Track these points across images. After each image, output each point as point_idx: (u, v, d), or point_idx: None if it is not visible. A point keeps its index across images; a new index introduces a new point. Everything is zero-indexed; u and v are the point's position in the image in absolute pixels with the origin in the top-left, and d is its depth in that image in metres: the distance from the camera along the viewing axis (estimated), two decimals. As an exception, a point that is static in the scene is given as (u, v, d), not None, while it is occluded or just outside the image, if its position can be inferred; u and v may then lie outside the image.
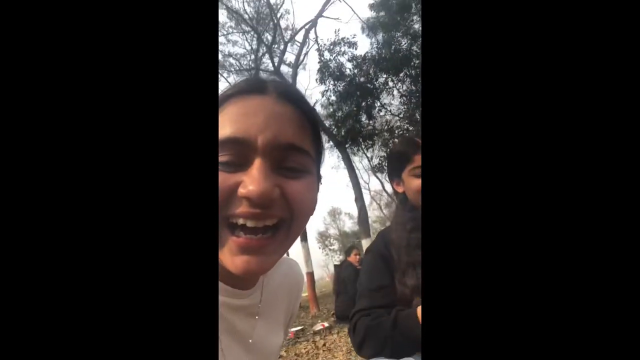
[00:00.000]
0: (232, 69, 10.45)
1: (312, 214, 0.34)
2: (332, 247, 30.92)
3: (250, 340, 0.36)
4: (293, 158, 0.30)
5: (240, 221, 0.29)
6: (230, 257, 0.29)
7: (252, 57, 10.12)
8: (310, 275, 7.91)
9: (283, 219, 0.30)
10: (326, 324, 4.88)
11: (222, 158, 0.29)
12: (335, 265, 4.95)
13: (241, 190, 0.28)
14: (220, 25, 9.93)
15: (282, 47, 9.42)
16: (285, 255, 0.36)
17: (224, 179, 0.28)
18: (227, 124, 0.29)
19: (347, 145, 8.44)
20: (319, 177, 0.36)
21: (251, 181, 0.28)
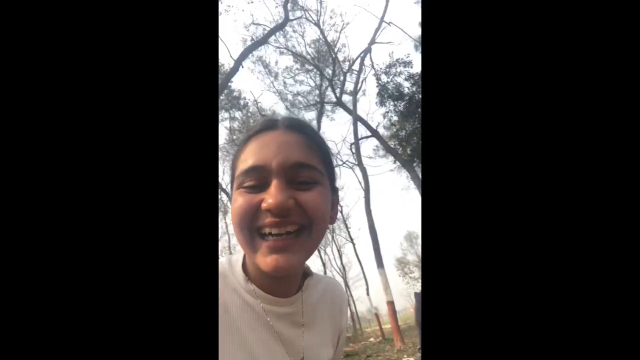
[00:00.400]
0: (301, 106, 11.31)
1: (330, 222, 0.39)
2: (412, 275, 28.77)
3: (302, 354, 0.40)
4: (303, 173, 0.36)
5: (267, 230, 0.35)
6: (263, 258, 0.35)
7: (317, 92, 10.84)
8: (391, 304, 7.44)
9: (303, 225, 0.36)
10: (412, 359, 4.47)
11: (247, 183, 0.36)
12: (415, 294, 4.60)
13: (263, 205, 0.35)
14: (288, 69, 11.04)
15: (341, 78, 9.90)
16: (307, 264, 0.43)
17: (250, 198, 0.36)
18: (249, 157, 0.37)
19: (414, 164, 8.12)
20: (334, 190, 0.42)
21: (270, 196, 0.34)
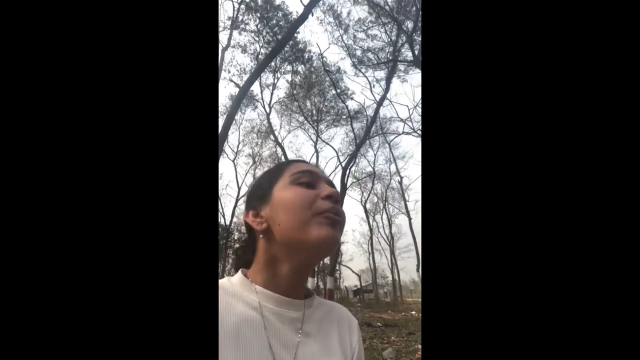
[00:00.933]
0: (370, 64, 10.39)
1: None
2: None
3: (295, 351, 0.41)
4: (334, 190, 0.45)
5: (325, 213, 0.42)
6: (317, 229, 0.40)
7: (391, 49, 9.74)
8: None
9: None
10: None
11: (303, 180, 0.44)
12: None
13: (324, 193, 0.43)
14: (360, 21, 10.00)
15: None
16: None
17: (307, 192, 0.43)
18: (301, 165, 0.47)
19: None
20: None
21: (327, 189, 0.44)
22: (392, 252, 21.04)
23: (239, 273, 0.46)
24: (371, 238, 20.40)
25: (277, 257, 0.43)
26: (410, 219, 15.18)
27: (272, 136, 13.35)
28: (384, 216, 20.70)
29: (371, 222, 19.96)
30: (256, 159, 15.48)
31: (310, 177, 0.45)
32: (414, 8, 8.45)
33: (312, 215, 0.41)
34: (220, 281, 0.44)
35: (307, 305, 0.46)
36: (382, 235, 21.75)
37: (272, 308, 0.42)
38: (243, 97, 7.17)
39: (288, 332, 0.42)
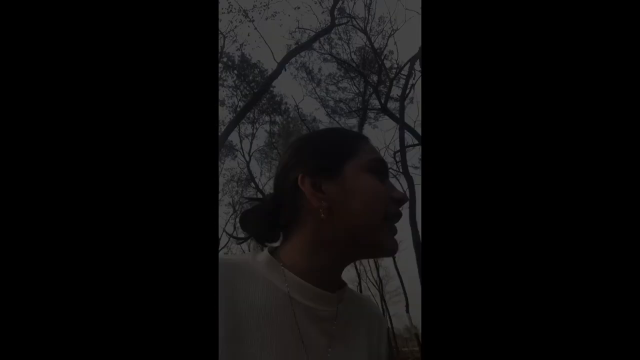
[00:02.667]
0: (343, 112, 11.13)
1: None
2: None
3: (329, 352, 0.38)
4: None
5: (392, 216, 0.39)
6: (389, 239, 0.38)
7: (360, 99, 10.59)
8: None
9: None
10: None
11: (380, 169, 0.40)
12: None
13: (396, 195, 0.39)
14: (331, 76, 10.97)
15: (387, 84, 9.52)
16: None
17: (383, 189, 0.39)
18: (377, 152, 0.42)
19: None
20: None
21: (397, 191, 0.39)
22: (382, 298, 20.24)
23: (266, 252, 0.39)
24: (359, 284, 19.71)
25: (327, 243, 0.37)
26: (394, 258, 14.99)
27: (252, 183, 13.45)
28: (370, 259, 20.31)
29: (358, 267, 19.48)
30: (236, 208, 15.30)
31: (384, 168, 0.40)
32: (377, 65, 9.47)
33: (384, 219, 0.37)
34: (241, 257, 0.39)
35: (338, 298, 0.40)
36: (371, 279, 21.10)
37: (302, 302, 0.36)
38: (221, 146, 7.40)
39: (315, 333, 0.36)
